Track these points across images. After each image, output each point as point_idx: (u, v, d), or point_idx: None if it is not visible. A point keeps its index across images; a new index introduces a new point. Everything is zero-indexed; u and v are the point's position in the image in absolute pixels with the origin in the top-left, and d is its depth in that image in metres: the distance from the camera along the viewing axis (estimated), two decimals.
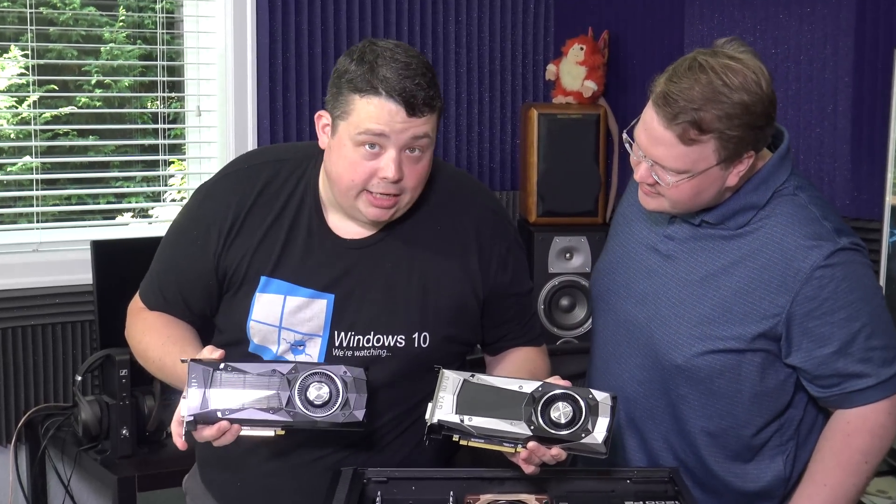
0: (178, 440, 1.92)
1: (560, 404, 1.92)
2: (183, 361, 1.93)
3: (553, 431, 1.91)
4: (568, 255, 4.02)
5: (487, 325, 2.25)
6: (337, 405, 1.90)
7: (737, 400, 2.19)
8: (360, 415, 1.91)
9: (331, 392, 1.90)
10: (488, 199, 2.27)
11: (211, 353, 1.95)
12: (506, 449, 1.93)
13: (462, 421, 1.92)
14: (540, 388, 1.93)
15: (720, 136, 2.02)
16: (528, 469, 1.96)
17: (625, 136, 2.17)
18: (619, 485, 2.08)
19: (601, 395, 1.92)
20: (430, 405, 1.94)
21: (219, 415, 1.88)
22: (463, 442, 1.94)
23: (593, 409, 1.91)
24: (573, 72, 4.09)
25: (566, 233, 4.01)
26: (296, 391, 1.89)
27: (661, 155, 2.07)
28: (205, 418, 1.88)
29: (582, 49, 4.09)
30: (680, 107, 2.01)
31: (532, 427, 1.91)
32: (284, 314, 2.12)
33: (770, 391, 2.20)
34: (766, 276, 2.13)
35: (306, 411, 1.89)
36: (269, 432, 1.90)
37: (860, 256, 2.16)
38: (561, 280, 4.01)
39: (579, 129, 4.00)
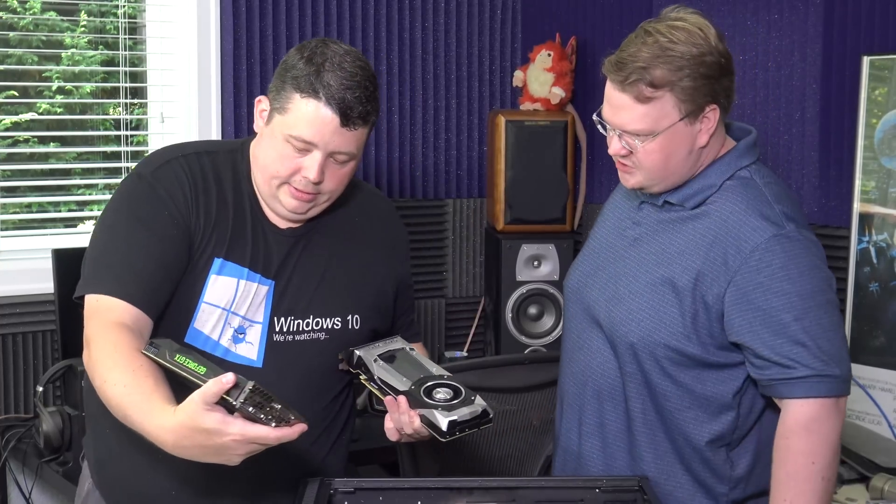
0: None
1: (446, 391, 2.04)
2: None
3: (424, 397, 2.03)
4: (536, 263, 4.01)
5: (392, 315, 2.36)
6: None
7: (682, 385, 2.20)
8: None
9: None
10: (390, 203, 2.46)
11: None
12: (379, 395, 2.11)
13: (375, 362, 2.12)
14: (445, 378, 2.07)
15: (673, 88, 2.11)
16: (388, 425, 2.10)
17: (595, 117, 2.24)
18: (588, 493, 2.08)
19: (482, 403, 2.03)
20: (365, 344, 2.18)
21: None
22: (363, 379, 2.14)
23: (464, 401, 2.01)
24: (540, 78, 4.09)
25: (534, 240, 4.00)
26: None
27: (624, 120, 2.15)
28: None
29: (549, 55, 4.08)
30: (631, 68, 2.11)
31: (411, 387, 2.05)
32: (236, 298, 2.14)
33: (714, 379, 2.19)
34: (713, 255, 2.16)
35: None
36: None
37: (804, 247, 2.14)
38: (529, 288, 4.00)
39: (547, 136, 4.00)
